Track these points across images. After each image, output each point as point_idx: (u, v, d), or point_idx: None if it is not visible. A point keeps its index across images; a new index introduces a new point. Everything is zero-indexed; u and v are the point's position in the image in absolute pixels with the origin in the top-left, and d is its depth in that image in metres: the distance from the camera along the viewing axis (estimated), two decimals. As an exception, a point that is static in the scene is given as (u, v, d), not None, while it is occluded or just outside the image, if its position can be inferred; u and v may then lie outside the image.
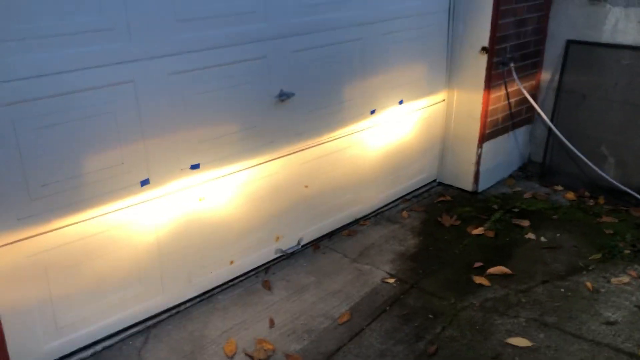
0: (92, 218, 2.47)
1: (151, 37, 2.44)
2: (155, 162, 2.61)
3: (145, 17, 2.40)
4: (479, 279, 3.21)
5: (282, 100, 3.04)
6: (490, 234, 3.70)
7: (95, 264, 2.55)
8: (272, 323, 2.86)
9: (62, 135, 2.28)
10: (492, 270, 3.29)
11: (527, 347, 2.67)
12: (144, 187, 2.60)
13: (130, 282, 2.70)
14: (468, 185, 4.27)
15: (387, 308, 2.99)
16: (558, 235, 3.67)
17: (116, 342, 2.71)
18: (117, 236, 2.58)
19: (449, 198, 4.20)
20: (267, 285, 3.16)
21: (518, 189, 4.35)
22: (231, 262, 3.12)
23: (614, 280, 3.17)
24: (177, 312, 2.93)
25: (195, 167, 2.77)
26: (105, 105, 2.38)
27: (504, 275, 3.25)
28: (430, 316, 2.92)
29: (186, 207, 2.79)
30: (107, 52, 2.33)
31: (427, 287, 3.16)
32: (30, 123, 2.19)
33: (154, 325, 2.84)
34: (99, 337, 2.67)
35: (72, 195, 2.38)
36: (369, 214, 3.91)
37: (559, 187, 4.34)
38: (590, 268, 3.29)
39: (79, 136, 2.34)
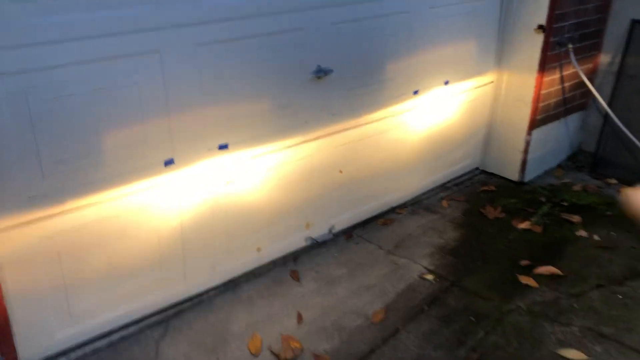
0: (110, 200, 2.27)
1: (179, 2, 2.21)
2: (180, 141, 2.40)
3: (174, -20, 2.16)
4: (525, 279, 2.94)
5: (319, 77, 2.78)
6: (538, 229, 3.41)
7: (113, 248, 2.36)
8: (300, 318, 2.66)
9: (79, 108, 2.08)
10: (541, 269, 3.02)
11: (582, 361, 2.42)
12: (168, 167, 2.39)
13: (150, 269, 2.52)
14: (514, 175, 3.97)
15: (425, 307, 2.75)
16: (613, 234, 3.36)
17: (134, 333, 2.53)
18: (137, 219, 2.38)
19: (492, 187, 3.91)
20: (296, 276, 2.95)
21: (567, 180, 4.04)
22: (258, 249, 2.91)
23: (677, 287, 2.87)
24: (200, 302, 2.74)
25: (223, 147, 2.55)
26: (128, 76, 2.16)
27: (553, 276, 2.97)
28: (472, 319, 2.67)
29: (212, 190, 2.58)
30: (132, 18, 2.10)
31: (469, 285, 2.91)
32: (45, 93, 1.99)
33: (175, 315, 2.65)
34: (115, 326, 2.49)
35: (89, 174, 2.18)
36: (406, 202, 3.66)
37: (613, 180, 4.01)
38: (650, 273, 3.00)
39: (98, 109, 2.13)
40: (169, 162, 2.39)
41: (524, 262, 3.08)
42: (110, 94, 2.14)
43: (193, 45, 2.31)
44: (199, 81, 2.37)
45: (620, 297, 2.81)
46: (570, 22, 3.66)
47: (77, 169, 2.14)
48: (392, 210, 3.58)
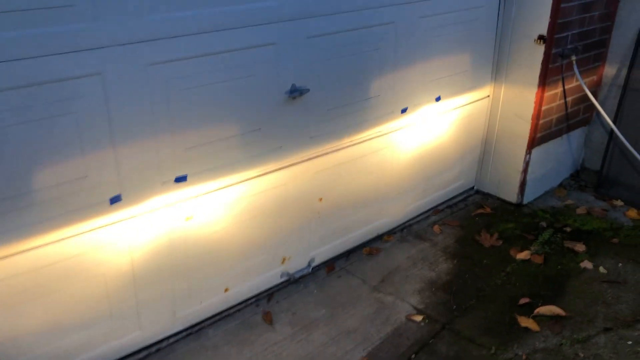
0: (45, 245, 1.96)
1: (125, 17, 1.90)
2: (129, 175, 2.09)
3: (116, -9, 1.85)
4: (525, 321, 2.64)
5: (294, 97, 2.48)
6: (539, 259, 3.11)
7: (51, 299, 2.05)
8: (270, 371, 2.36)
9: (2, 142, 1.77)
10: (542, 309, 2.72)
11: None
12: (115, 205, 2.09)
13: (98, 319, 2.21)
14: (512, 196, 3.67)
15: (413, 356, 2.45)
16: (620, 265, 3.06)
17: (79, 391, 2.23)
18: (79, 265, 2.07)
19: (488, 210, 3.61)
20: (269, 318, 2.64)
21: (570, 201, 3.73)
22: (226, 290, 2.60)
23: (694, 331, 2.58)
24: (158, 350, 2.44)
25: (181, 179, 2.24)
26: (62, 104, 1.85)
27: (556, 317, 2.67)
28: (465, 371, 2.37)
29: (169, 228, 2.27)
30: (65, 36, 1.79)
31: (462, 328, 2.61)
32: (-42, 127, 1.68)
33: (129, 367, 2.35)
34: (57, 384, 2.19)
35: (16, 218, 1.87)
36: (394, 228, 3.35)
37: (619, 202, 3.70)
38: (663, 313, 2.70)
39: (27, 143, 1.82)
40: (115, 200, 2.08)
41: (524, 300, 2.78)
42: (41, 125, 1.83)
43: (143, 65, 2.00)
44: (150, 106, 2.06)
45: (630, 343, 2.51)
46: (574, 31, 3.36)
47: (1, 212, 1.83)
48: (379, 237, 3.27)
